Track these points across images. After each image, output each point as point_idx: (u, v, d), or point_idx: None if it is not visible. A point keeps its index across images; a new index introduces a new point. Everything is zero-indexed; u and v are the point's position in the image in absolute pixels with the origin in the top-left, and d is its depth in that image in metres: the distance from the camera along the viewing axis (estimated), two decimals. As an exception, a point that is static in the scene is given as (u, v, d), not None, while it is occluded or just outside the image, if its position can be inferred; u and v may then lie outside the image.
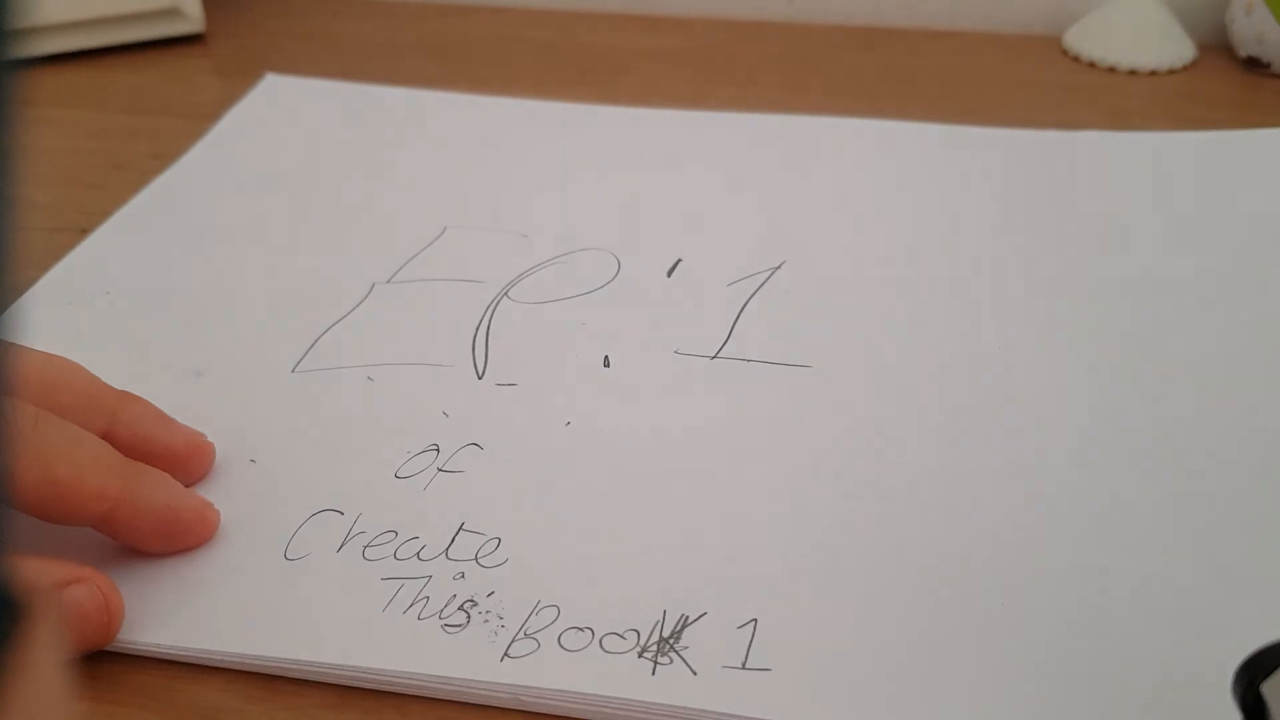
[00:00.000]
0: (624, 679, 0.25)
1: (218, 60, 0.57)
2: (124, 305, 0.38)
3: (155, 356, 0.36)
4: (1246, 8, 0.53)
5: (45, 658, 0.12)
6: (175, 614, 0.27)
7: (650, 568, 0.28)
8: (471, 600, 0.27)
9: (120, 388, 0.30)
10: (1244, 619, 0.26)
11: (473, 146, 0.47)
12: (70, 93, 0.54)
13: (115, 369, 0.31)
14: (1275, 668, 0.21)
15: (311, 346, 0.36)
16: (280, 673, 0.26)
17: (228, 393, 0.34)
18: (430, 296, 0.38)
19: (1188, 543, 0.28)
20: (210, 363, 0.35)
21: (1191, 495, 0.30)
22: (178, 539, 0.28)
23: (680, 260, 0.39)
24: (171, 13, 0.57)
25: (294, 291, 0.38)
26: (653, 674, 0.25)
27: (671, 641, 0.26)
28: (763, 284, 0.38)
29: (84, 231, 0.42)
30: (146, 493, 0.28)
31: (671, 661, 0.25)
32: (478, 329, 0.36)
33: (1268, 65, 0.53)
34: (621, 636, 0.26)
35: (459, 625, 0.26)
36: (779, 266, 0.39)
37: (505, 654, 0.26)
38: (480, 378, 0.34)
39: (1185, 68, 0.54)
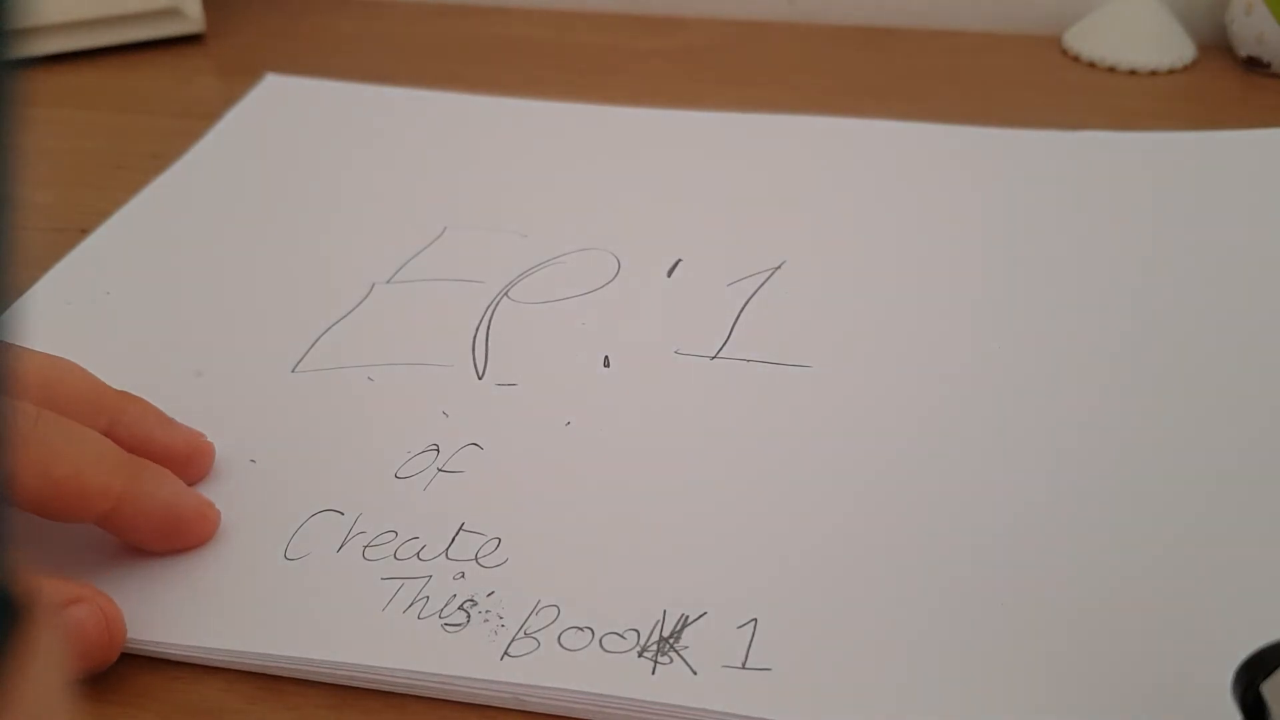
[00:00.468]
0: (624, 678, 0.25)
1: (218, 60, 0.57)
2: (124, 305, 0.38)
3: (155, 356, 0.36)
4: (1246, 8, 0.53)
5: (45, 657, 0.11)
6: (175, 614, 0.27)
7: (650, 567, 0.28)
8: (471, 600, 0.27)
9: (120, 388, 0.30)
10: (1244, 619, 0.26)
11: (473, 146, 0.47)
12: (70, 93, 0.54)
13: (115, 369, 0.31)
14: (1275, 668, 0.21)
15: (311, 346, 0.36)
16: (280, 673, 0.26)
17: (228, 393, 0.34)
18: (430, 296, 0.38)
19: (1188, 543, 0.28)
20: (210, 363, 0.35)
21: (1191, 495, 0.30)
22: (179, 537, 0.28)
23: (680, 260, 0.39)
24: (171, 13, 0.57)
25: (294, 291, 0.38)
26: (653, 673, 0.25)
27: (671, 641, 0.26)
28: (763, 284, 0.38)
29: (84, 231, 0.42)
30: (149, 489, 0.28)
31: (671, 661, 0.25)
32: (478, 329, 0.36)
33: (1268, 65, 0.53)
34: (621, 636, 0.26)
35: (459, 625, 0.26)
36: (779, 266, 0.39)
37: (505, 653, 0.26)
38: (480, 378, 0.34)
39: (1185, 68, 0.54)
